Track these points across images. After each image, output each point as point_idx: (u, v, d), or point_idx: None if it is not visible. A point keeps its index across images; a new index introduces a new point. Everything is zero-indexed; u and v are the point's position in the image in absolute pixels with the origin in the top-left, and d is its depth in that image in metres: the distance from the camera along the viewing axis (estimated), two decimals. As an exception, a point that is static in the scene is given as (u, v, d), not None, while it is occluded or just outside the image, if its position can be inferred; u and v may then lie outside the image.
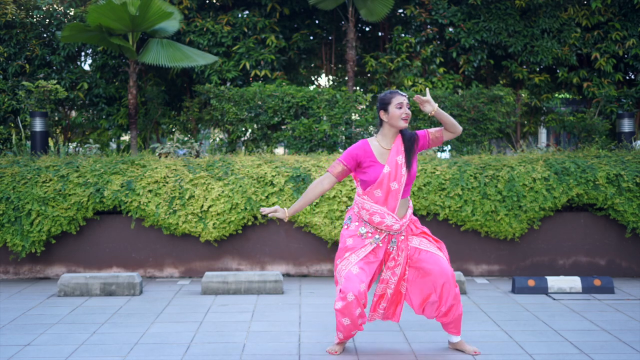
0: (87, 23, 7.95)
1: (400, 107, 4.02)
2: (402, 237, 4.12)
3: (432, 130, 4.16)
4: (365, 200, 4.06)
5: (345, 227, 4.16)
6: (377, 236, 4.09)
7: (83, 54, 9.70)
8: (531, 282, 6.07)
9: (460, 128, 4.10)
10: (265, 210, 4.08)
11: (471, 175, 6.70)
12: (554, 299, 5.85)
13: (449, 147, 8.55)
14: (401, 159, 4.05)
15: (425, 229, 4.28)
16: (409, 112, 4.03)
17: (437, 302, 4.18)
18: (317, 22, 10.35)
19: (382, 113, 4.08)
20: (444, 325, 4.29)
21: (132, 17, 7.94)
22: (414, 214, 6.87)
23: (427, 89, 4.17)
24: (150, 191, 6.61)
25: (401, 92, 4.06)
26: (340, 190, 6.61)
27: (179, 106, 10.11)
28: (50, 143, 7.57)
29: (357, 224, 4.11)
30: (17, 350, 4.42)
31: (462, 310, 4.25)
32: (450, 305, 4.15)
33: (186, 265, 6.86)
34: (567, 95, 9.81)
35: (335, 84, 10.69)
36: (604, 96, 8.80)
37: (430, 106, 4.01)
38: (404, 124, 4.03)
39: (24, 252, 6.52)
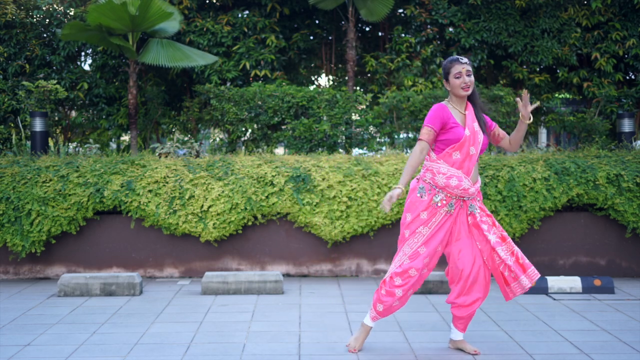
0: (87, 22, 7.95)
1: (459, 77, 3.97)
2: (479, 200, 4.11)
3: (499, 129, 4.21)
4: (441, 164, 3.99)
5: (419, 197, 4.02)
6: (451, 203, 4.02)
7: (83, 54, 9.70)
8: (531, 282, 6.06)
9: (518, 149, 4.28)
10: (387, 205, 3.87)
11: (471, 175, 6.70)
12: (554, 299, 5.85)
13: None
14: (477, 125, 4.04)
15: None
16: (470, 79, 3.97)
17: (469, 285, 4.15)
18: (317, 22, 10.35)
19: (445, 83, 4.08)
20: (455, 318, 4.26)
21: (132, 17, 7.94)
22: None
23: (527, 93, 4.07)
24: (150, 191, 6.61)
25: (461, 59, 3.99)
26: (341, 191, 6.61)
27: (179, 106, 10.11)
28: (50, 143, 7.57)
29: (430, 192, 4.02)
30: (17, 350, 4.42)
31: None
32: (477, 298, 4.16)
33: (186, 265, 6.86)
34: (567, 95, 9.81)
35: (335, 84, 10.69)
36: (604, 96, 8.80)
37: (527, 113, 4.00)
38: (464, 93, 3.98)
39: (24, 252, 6.52)
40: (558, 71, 9.18)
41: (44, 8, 9.05)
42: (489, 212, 4.15)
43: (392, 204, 3.87)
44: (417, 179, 4.13)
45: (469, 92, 3.99)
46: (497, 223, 4.13)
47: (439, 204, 3.99)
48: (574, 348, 4.41)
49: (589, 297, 5.94)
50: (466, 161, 3.99)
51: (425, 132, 3.98)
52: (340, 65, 10.74)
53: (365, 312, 5.39)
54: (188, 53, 8.50)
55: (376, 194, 6.62)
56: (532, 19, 9.20)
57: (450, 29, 9.35)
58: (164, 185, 6.64)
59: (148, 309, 5.56)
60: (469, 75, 3.98)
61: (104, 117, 9.45)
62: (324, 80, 11.16)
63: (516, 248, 4.12)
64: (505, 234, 4.12)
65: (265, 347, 4.46)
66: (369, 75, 10.27)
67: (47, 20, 9.17)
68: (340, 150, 8.43)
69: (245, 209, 6.62)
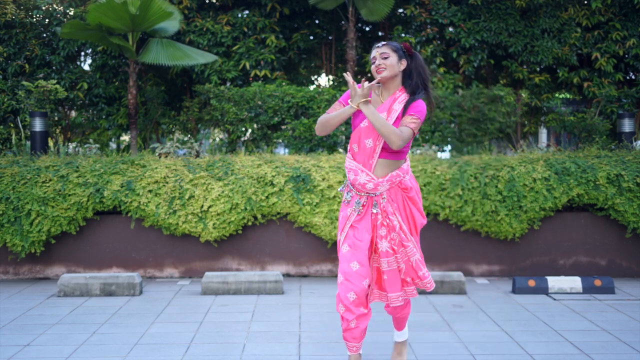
0: (87, 22, 7.94)
1: (374, 61, 3.69)
2: (384, 199, 3.65)
3: (410, 122, 3.59)
4: (347, 158, 3.72)
5: (343, 200, 3.80)
6: (357, 200, 3.68)
7: (83, 53, 9.69)
8: (531, 283, 6.07)
9: (393, 143, 3.54)
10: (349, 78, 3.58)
11: (471, 176, 6.70)
12: (555, 299, 5.85)
13: (449, 147, 8.55)
14: (384, 115, 3.62)
15: (415, 211, 3.77)
16: (385, 61, 3.63)
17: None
18: (317, 22, 10.34)
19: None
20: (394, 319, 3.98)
21: (133, 16, 7.94)
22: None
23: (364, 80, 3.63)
24: (150, 191, 6.61)
25: (378, 44, 3.70)
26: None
27: (179, 106, 10.10)
28: (50, 143, 7.56)
29: (345, 189, 3.77)
30: (16, 350, 4.41)
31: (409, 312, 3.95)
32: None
33: (186, 266, 6.85)
34: (568, 95, 9.80)
35: (336, 84, 10.68)
36: (605, 96, 8.79)
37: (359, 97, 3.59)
38: (377, 76, 3.64)
39: (24, 252, 6.52)
40: (558, 71, 9.18)
41: (43, 8, 9.04)
42: (399, 219, 3.67)
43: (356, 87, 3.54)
44: None
45: (383, 74, 3.62)
46: (404, 228, 3.67)
47: (349, 201, 3.73)
48: (575, 348, 4.40)
49: (589, 297, 5.93)
50: (361, 154, 3.65)
51: (334, 105, 3.78)
52: (340, 65, 10.74)
53: (365, 312, 5.40)
54: (188, 52, 8.49)
55: (376, 194, 6.61)
56: (532, 19, 9.20)
57: (451, 29, 9.35)
58: (164, 186, 6.64)
59: (148, 309, 5.55)
60: (384, 58, 3.63)
61: (103, 117, 9.44)
62: (324, 80, 11.16)
63: (414, 258, 3.69)
64: (407, 242, 3.67)
65: (265, 348, 4.45)
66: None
67: (47, 20, 9.16)
68: (340, 150, 8.42)
69: (245, 209, 6.61)
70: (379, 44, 3.69)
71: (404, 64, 3.68)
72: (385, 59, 3.63)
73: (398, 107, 3.62)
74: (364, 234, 3.67)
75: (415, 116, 3.56)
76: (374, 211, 3.66)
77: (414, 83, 3.67)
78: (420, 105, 3.60)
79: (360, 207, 3.68)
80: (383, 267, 3.70)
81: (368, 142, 3.64)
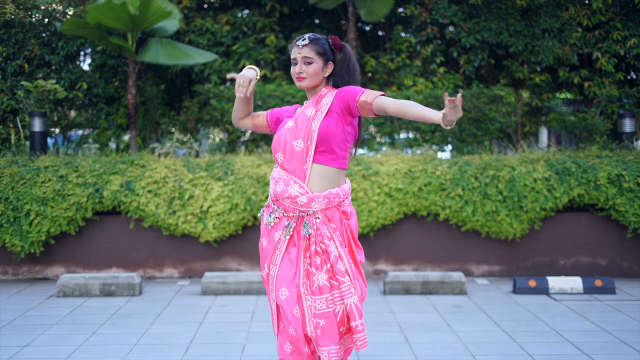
0: (87, 22, 7.92)
1: (295, 63, 3.05)
2: (318, 219, 2.96)
3: (369, 94, 2.90)
4: (275, 168, 3.08)
5: (261, 216, 3.13)
6: (287, 222, 2.97)
7: (82, 53, 9.67)
8: (532, 283, 6.05)
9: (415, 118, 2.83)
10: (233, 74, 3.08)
11: (472, 176, 6.68)
12: (555, 300, 5.83)
13: (450, 147, 8.53)
14: (311, 111, 3.00)
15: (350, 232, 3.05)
16: (307, 68, 3.00)
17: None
18: (317, 21, 10.32)
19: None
20: None
21: (132, 16, 7.92)
22: (417, 213, 6.83)
23: (460, 94, 2.73)
24: (149, 191, 6.59)
25: (298, 40, 3.06)
26: (341, 191, 6.59)
27: (179, 106, 10.08)
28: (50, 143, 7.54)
29: (267, 210, 3.08)
30: (16, 351, 4.40)
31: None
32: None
33: (186, 266, 6.84)
34: (568, 95, 9.78)
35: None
36: (605, 96, 8.77)
37: (454, 114, 2.69)
38: (297, 84, 3.03)
39: (23, 253, 6.50)
40: (559, 71, 9.15)
41: (42, 7, 9.02)
42: (337, 244, 2.95)
43: None
44: None
45: (302, 83, 3.02)
46: (344, 257, 2.95)
47: (273, 225, 3.01)
48: (575, 349, 4.39)
49: (590, 297, 5.92)
50: (289, 161, 2.99)
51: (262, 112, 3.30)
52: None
53: (367, 312, 5.38)
54: (188, 51, 8.48)
55: (376, 194, 6.60)
56: (532, 19, 9.18)
57: (451, 29, 9.32)
58: (164, 186, 6.62)
59: (147, 309, 5.54)
60: (307, 63, 3.00)
61: (103, 117, 9.42)
62: (324, 80, 11.13)
63: (350, 301, 2.91)
64: (343, 278, 2.92)
65: (265, 348, 4.44)
66: (369, 75, 10.25)
67: (46, 19, 9.14)
68: (341, 150, 8.39)
69: (245, 209, 6.60)
70: (300, 41, 3.03)
71: (330, 67, 3.06)
72: (308, 65, 3.01)
73: (328, 99, 3.00)
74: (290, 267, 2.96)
75: (365, 90, 2.93)
76: (305, 234, 2.94)
77: (336, 83, 3.07)
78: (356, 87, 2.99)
79: (291, 230, 2.96)
80: (318, 308, 2.90)
81: (297, 144, 2.97)
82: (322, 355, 2.90)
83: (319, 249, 2.93)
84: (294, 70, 3.03)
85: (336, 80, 3.07)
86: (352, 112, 2.97)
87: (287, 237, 2.97)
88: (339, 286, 2.92)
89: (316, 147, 2.96)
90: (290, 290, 2.93)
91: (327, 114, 2.97)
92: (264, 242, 3.07)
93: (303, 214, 2.96)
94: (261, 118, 3.26)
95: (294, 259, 2.96)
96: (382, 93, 2.89)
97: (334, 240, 2.95)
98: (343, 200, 3.02)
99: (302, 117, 3.02)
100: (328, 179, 2.98)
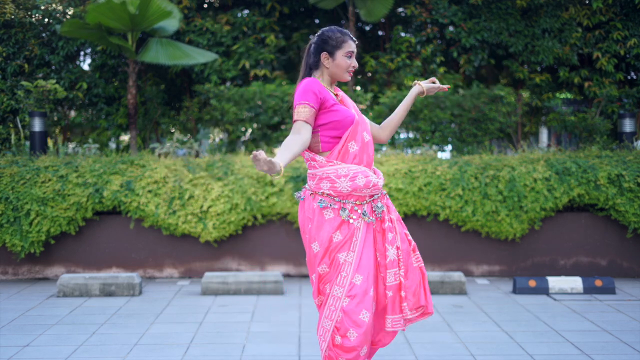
0: (87, 22, 7.92)
1: (350, 57, 3.13)
2: (385, 195, 3.20)
3: None
4: (337, 165, 3.04)
5: (323, 216, 3.05)
6: (364, 211, 3.07)
7: (82, 53, 9.67)
8: (532, 283, 6.05)
9: (388, 139, 3.40)
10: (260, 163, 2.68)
11: (472, 176, 6.68)
12: (555, 300, 5.83)
13: (450, 147, 8.53)
14: (358, 109, 3.26)
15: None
16: (356, 63, 3.19)
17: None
18: (317, 21, 10.32)
19: (324, 56, 3.12)
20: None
21: (132, 16, 7.92)
22: (415, 213, 6.85)
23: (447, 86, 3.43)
24: (149, 191, 6.59)
25: (350, 33, 3.19)
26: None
27: (179, 106, 10.09)
28: (49, 143, 7.54)
29: (335, 207, 3.05)
30: (16, 351, 4.40)
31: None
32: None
33: (186, 266, 6.84)
34: (569, 95, 9.78)
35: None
36: (606, 96, 8.77)
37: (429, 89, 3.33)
38: (348, 78, 3.16)
39: (23, 253, 6.50)
40: (559, 71, 9.15)
41: (42, 7, 9.02)
42: (398, 215, 3.22)
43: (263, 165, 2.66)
44: (311, 192, 3.11)
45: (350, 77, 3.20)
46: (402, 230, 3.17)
47: (352, 218, 3.05)
48: (575, 349, 4.39)
49: (590, 297, 5.92)
50: (364, 152, 3.11)
51: (303, 111, 2.98)
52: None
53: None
54: (188, 51, 8.48)
55: (376, 194, 6.60)
56: (532, 19, 9.18)
57: (451, 29, 9.32)
58: (164, 186, 6.62)
59: (147, 309, 5.54)
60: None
61: (103, 117, 9.42)
62: (324, 80, 11.12)
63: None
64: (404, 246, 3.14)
65: (265, 348, 4.44)
66: (369, 75, 10.25)
67: (46, 19, 9.14)
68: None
69: (245, 209, 6.60)
70: (354, 39, 3.19)
71: None
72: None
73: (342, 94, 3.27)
74: (370, 252, 3.09)
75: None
76: (378, 214, 3.10)
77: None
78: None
79: (369, 217, 3.08)
80: (388, 281, 3.11)
81: (365, 136, 3.14)
82: (387, 322, 3.13)
83: (390, 224, 3.11)
84: (350, 62, 3.14)
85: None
86: None
87: (363, 223, 3.06)
88: (415, 255, 3.17)
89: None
90: (370, 274, 3.04)
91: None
92: (337, 235, 3.04)
93: (375, 195, 3.11)
94: (310, 116, 3.01)
95: (371, 244, 3.09)
96: None
97: (395, 212, 3.20)
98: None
99: (358, 111, 3.19)
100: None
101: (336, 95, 3.20)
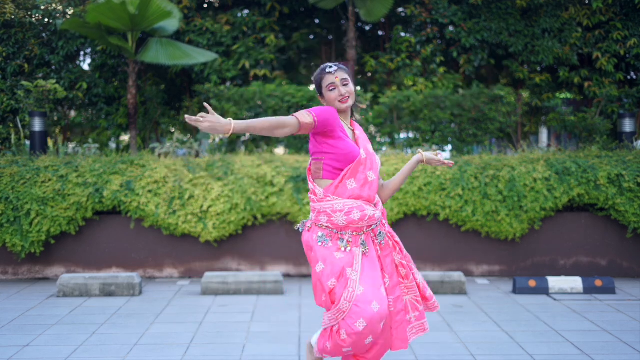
0: (87, 22, 7.92)
1: (333, 88, 3.23)
2: (385, 223, 3.37)
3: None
4: (333, 201, 3.17)
5: (321, 245, 3.21)
6: (362, 240, 3.22)
7: (82, 53, 9.67)
8: (532, 283, 6.05)
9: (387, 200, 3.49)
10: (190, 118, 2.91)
11: (472, 176, 6.68)
12: (555, 300, 5.83)
13: (449, 147, 8.52)
14: (370, 147, 3.34)
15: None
16: (347, 89, 3.23)
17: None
18: (317, 21, 10.32)
19: (320, 98, 3.33)
20: None
21: (132, 16, 7.92)
22: (415, 213, 6.85)
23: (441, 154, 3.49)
24: (149, 191, 6.59)
25: (330, 67, 3.25)
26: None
27: (179, 106, 10.09)
28: (50, 143, 7.54)
29: (332, 238, 3.21)
30: (16, 351, 4.40)
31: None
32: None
33: (186, 266, 6.84)
34: (569, 95, 9.78)
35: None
36: (605, 96, 8.77)
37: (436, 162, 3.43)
38: (343, 106, 3.23)
39: (24, 253, 6.50)
40: (559, 71, 9.16)
41: (42, 7, 9.02)
42: (397, 238, 3.40)
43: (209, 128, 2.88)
44: (312, 224, 3.28)
45: (349, 103, 3.25)
46: (404, 250, 3.40)
47: (349, 248, 3.19)
48: (575, 349, 4.39)
49: (590, 297, 5.92)
50: (365, 189, 3.21)
51: (302, 113, 3.09)
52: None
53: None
54: (188, 51, 8.48)
55: (376, 194, 6.60)
56: (532, 19, 9.18)
57: (451, 29, 9.32)
58: (164, 186, 6.62)
59: (147, 309, 5.54)
60: (345, 85, 3.23)
61: (103, 117, 9.42)
62: (324, 80, 11.11)
63: (418, 281, 3.39)
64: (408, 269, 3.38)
65: (265, 348, 4.44)
66: (369, 74, 10.25)
67: (46, 19, 9.14)
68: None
69: (245, 209, 6.60)
70: (333, 67, 3.26)
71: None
72: (346, 86, 3.25)
73: (359, 131, 3.38)
74: (375, 270, 3.24)
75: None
76: (380, 241, 3.28)
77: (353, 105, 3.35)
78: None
79: (366, 248, 3.23)
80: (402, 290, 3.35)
81: (370, 175, 3.24)
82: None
83: (394, 245, 3.33)
84: (337, 93, 3.23)
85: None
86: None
87: (365, 253, 3.21)
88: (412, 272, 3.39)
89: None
90: (378, 283, 3.18)
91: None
92: (338, 254, 3.18)
93: (373, 226, 3.26)
94: (306, 123, 3.08)
95: (374, 261, 3.22)
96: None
97: (393, 237, 3.37)
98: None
99: (369, 150, 3.28)
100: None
101: (353, 130, 3.33)
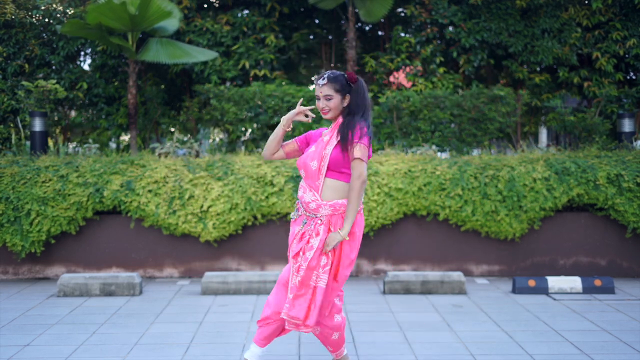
0: (87, 22, 7.93)
1: (318, 99, 3.61)
2: (320, 222, 3.56)
3: (357, 151, 3.50)
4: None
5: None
6: (304, 219, 3.61)
7: (82, 53, 9.68)
8: (532, 283, 6.06)
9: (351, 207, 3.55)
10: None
11: (471, 175, 6.69)
12: (555, 299, 5.84)
13: (449, 147, 8.53)
14: (328, 137, 3.60)
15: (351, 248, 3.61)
16: (327, 103, 3.56)
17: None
18: (317, 21, 10.33)
19: None
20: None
21: (132, 16, 7.93)
22: (414, 214, 6.85)
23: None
24: (150, 191, 6.60)
25: (317, 79, 3.59)
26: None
27: (179, 106, 10.10)
28: (50, 143, 7.55)
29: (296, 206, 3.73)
30: (16, 350, 4.40)
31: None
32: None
33: (186, 266, 6.85)
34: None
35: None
36: (605, 96, 8.78)
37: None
38: (324, 116, 3.61)
39: (24, 252, 6.51)
40: (558, 71, 9.17)
41: (43, 7, 9.03)
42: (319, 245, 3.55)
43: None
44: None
45: (328, 115, 3.58)
46: (314, 256, 3.53)
47: (293, 219, 3.67)
48: (575, 348, 4.40)
49: (590, 297, 5.93)
50: (308, 177, 3.61)
51: (287, 143, 3.80)
52: (340, 65, 10.73)
53: (367, 311, 5.38)
54: (188, 50, 8.49)
55: (376, 194, 6.61)
56: (532, 19, 9.19)
57: (451, 29, 9.33)
58: (164, 185, 6.63)
59: (148, 309, 5.55)
60: (328, 99, 3.54)
61: (103, 116, 9.43)
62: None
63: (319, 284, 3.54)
64: (335, 283, 3.60)
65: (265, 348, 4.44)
66: (369, 75, 10.26)
67: (47, 19, 9.15)
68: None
69: (245, 209, 6.61)
70: (320, 81, 3.55)
71: (347, 99, 3.58)
72: (329, 100, 3.55)
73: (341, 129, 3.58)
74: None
75: (360, 143, 3.46)
76: (303, 230, 3.58)
77: (352, 110, 3.57)
78: (361, 128, 3.49)
79: (303, 227, 3.59)
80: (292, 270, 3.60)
81: (313, 164, 3.57)
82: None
83: (310, 238, 3.56)
84: (317, 104, 3.62)
85: (352, 107, 3.58)
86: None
87: (302, 231, 3.60)
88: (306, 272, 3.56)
89: (328, 167, 3.55)
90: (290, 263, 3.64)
91: (337, 144, 3.55)
92: (292, 229, 3.68)
93: (313, 215, 3.58)
94: (292, 145, 3.78)
95: (299, 244, 3.58)
96: (360, 156, 3.46)
97: (321, 241, 3.53)
98: (344, 206, 3.57)
99: (320, 142, 3.62)
100: (338, 191, 3.56)
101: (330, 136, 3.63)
